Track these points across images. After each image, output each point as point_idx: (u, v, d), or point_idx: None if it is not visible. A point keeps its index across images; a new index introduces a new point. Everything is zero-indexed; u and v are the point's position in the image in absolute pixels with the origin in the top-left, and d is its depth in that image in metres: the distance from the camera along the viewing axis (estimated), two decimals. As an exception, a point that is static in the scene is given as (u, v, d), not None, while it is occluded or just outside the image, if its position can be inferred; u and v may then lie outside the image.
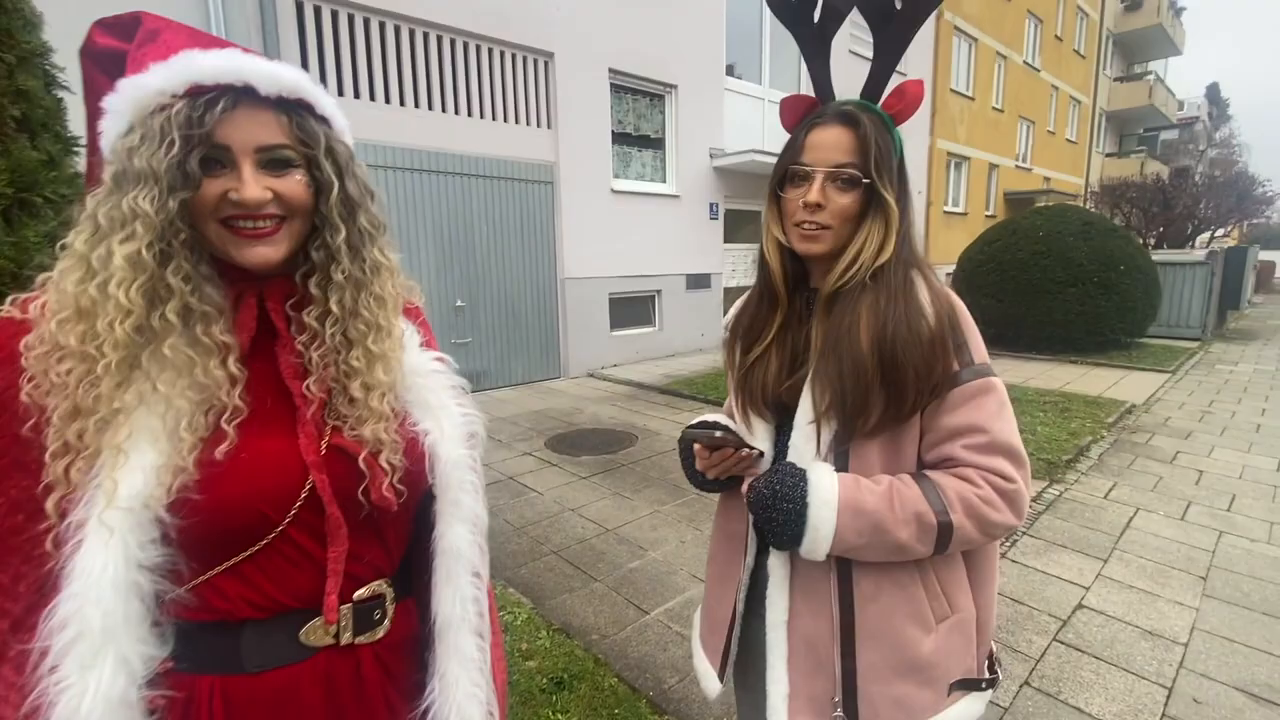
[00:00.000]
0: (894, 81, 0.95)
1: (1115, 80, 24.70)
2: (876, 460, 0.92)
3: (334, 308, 0.75)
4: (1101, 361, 7.90)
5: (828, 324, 0.92)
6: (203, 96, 0.66)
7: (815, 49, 0.96)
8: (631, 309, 8.18)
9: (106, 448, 0.63)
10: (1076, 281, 8.04)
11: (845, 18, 0.95)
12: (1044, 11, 17.09)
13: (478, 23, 6.09)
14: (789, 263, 0.98)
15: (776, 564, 0.96)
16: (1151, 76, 25.12)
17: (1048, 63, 17.82)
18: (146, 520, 0.62)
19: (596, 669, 2.15)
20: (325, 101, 0.76)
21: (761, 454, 0.98)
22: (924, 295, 0.91)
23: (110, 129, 0.68)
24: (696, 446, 0.98)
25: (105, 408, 0.63)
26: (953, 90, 13.80)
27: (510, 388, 6.80)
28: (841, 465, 0.92)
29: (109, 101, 0.68)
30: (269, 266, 0.71)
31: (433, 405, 0.82)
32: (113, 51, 0.73)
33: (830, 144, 0.90)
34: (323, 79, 5.29)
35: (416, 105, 5.88)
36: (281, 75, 0.70)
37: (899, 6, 0.89)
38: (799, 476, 0.89)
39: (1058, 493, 3.82)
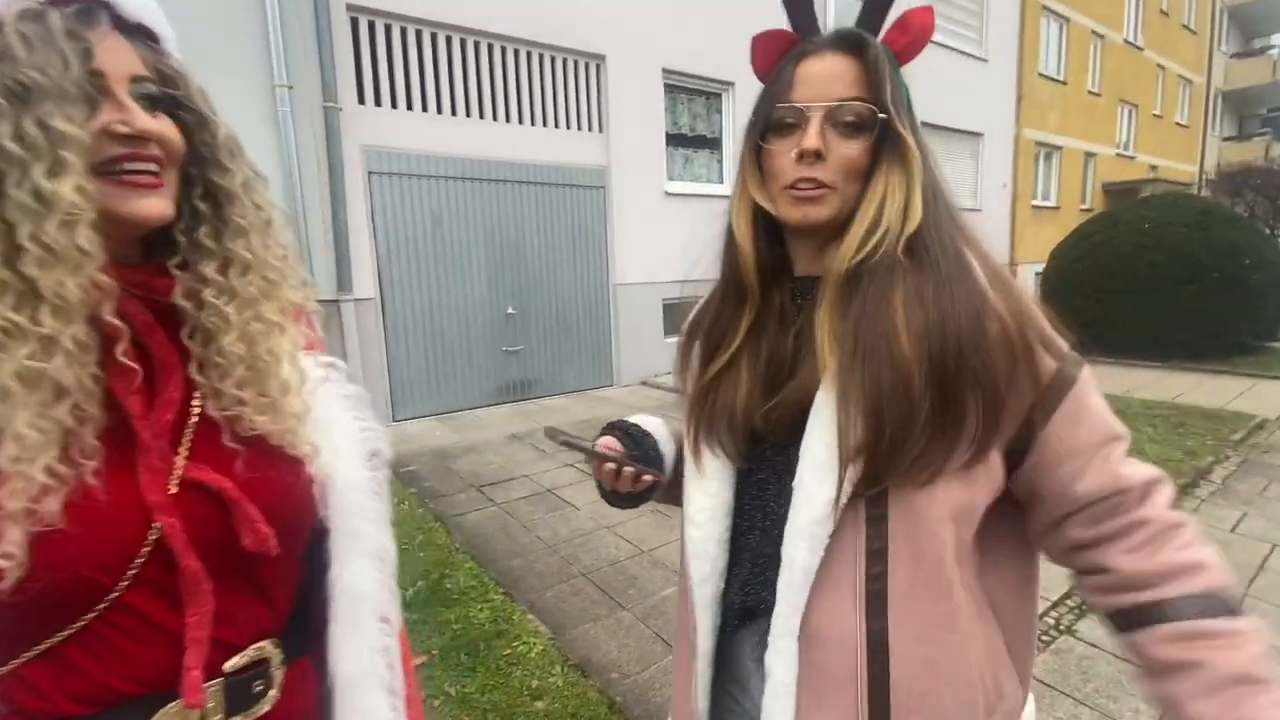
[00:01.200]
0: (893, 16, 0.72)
1: (1232, 57, 22.27)
2: (931, 513, 0.63)
3: (241, 251, 0.61)
4: (1223, 369, 6.95)
5: (845, 318, 0.65)
6: (69, 6, 0.52)
7: None
8: (686, 315, 7.91)
9: None
10: (1192, 278, 7.11)
11: None
12: (1147, -16, 15.60)
13: (528, 29, 6.05)
14: (763, 243, 0.73)
15: (779, 663, 0.68)
16: (1275, 51, 22.48)
17: (1152, 40, 16.21)
18: None
19: (610, 716, 1.92)
20: (172, 38, 0.65)
21: (658, 483, 0.79)
22: (981, 278, 0.65)
23: None
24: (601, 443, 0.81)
25: None
26: (1041, 74, 12.74)
27: (561, 395, 6.70)
28: (879, 519, 0.64)
29: None
30: (163, 222, 0.57)
31: (322, 419, 0.67)
32: None
33: (829, 74, 0.66)
34: (375, 90, 5.38)
35: (468, 114, 5.89)
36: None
37: None
38: None
39: (1172, 523, 3.27)
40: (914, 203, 0.65)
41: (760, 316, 0.74)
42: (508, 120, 6.14)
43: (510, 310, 6.35)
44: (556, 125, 6.49)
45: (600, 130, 6.78)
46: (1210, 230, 7.23)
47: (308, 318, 0.73)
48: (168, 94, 0.58)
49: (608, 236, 6.95)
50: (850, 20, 0.70)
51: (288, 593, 0.67)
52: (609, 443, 0.83)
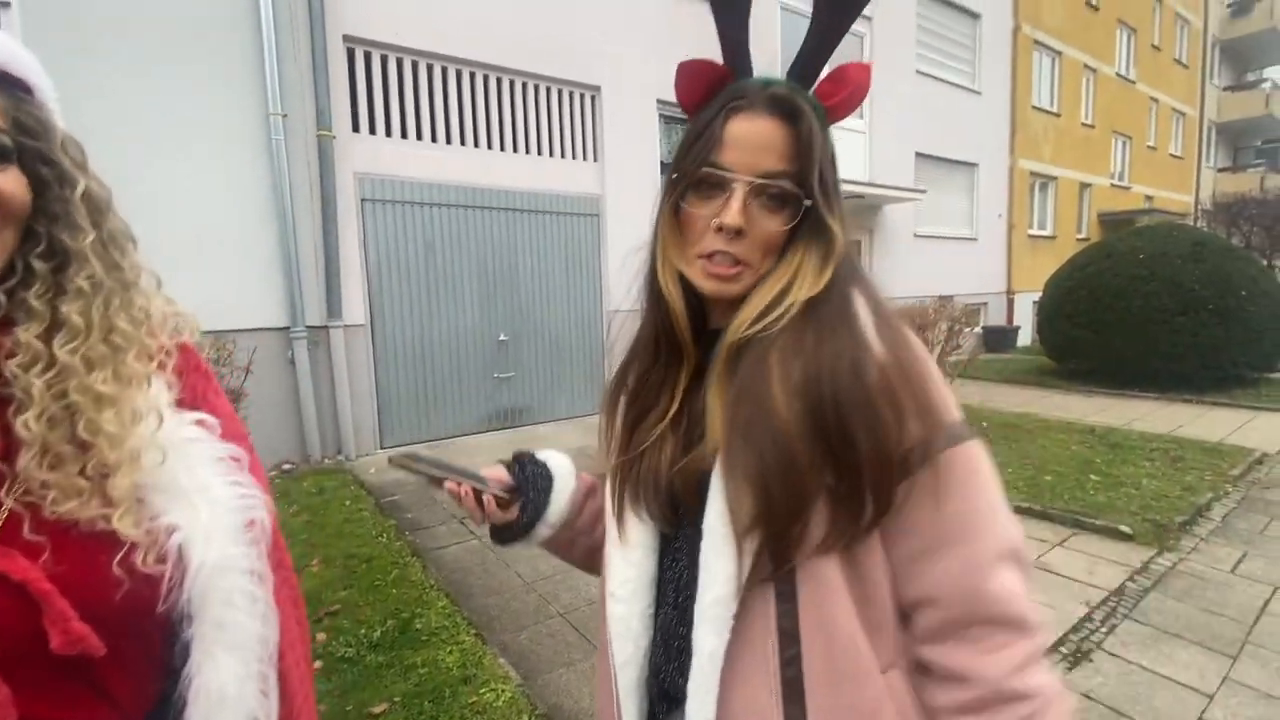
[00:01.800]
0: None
1: (1225, 90, 22.59)
2: (838, 585, 0.59)
3: (74, 317, 0.55)
4: (1222, 401, 6.87)
5: (731, 389, 0.62)
6: None
7: None
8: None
9: None
10: (1187, 309, 7.07)
11: None
12: (1137, 20, 15.86)
13: (524, 61, 6.12)
14: (690, 299, 0.69)
15: None
16: (1268, 84, 22.85)
17: (1144, 74, 16.46)
18: None
19: (576, 772, 1.82)
20: (49, 89, 0.60)
21: (510, 498, 0.77)
22: (868, 326, 0.61)
23: None
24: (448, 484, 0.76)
25: None
26: (1035, 107, 12.90)
27: (553, 423, 6.62)
28: (788, 596, 0.60)
29: None
30: None
31: (186, 489, 0.59)
32: None
33: (759, 141, 0.62)
34: (371, 119, 5.43)
35: (463, 143, 5.94)
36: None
37: None
38: None
39: (1169, 563, 3.17)
40: (823, 279, 0.62)
41: (693, 372, 0.70)
42: (502, 149, 6.19)
43: (502, 337, 6.32)
44: (551, 154, 6.53)
45: (595, 159, 6.83)
46: (1205, 262, 7.22)
47: (192, 365, 0.68)
48: (24, 145, 0.55)
49: (602, 263, 6.95)
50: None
51: (142, 696, 0.61)
52: (495, 469, 0.81)
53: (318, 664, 2.31)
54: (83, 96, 4.11)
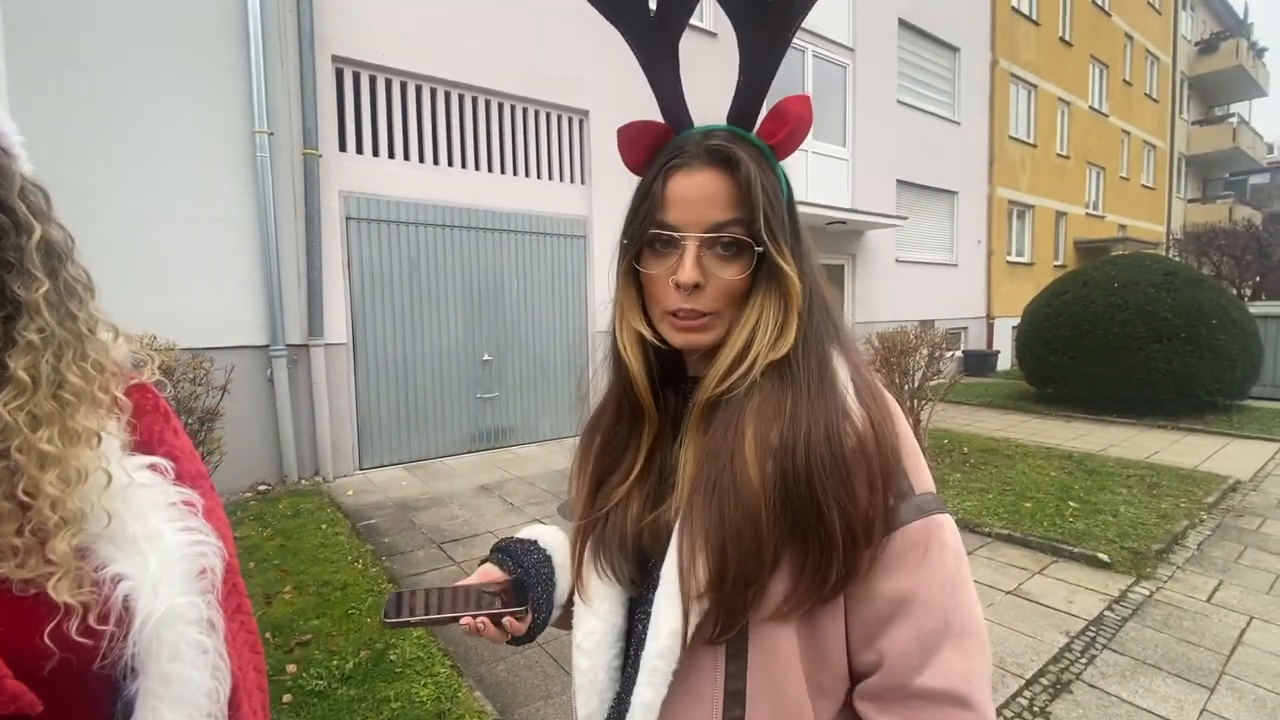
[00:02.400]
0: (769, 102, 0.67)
1: (1194, 124, 23.40)
2: (792, 652, 0.59)
3: (20, 373, 0.54)
4: (1196, 427, 7.01)
5: (703, 445, 0.62)
6: None
7: (657, 53, 0.67)
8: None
9: None
10: (1160, 337, 7.24)
11: (693, 7, 0.66)
12: (1109, 56, 16.43)
13: (513, 84, 6.18)
14: (653, 355, 0.68)
15: None
16: (1235, 119, 23.71)
17: (1116, 108, 17.01)
18: None
19: (551, 813, 1.77)
20: (11, 133, 0.58)
21: (526, 611, 0.70)
22: (847, 388, 0.61)
23: None
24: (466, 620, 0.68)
25: None
26: (1012, 137, 13.26)
27: (536, 444, 6.57)
28: (738, 656, 0.59)
29: None
30: None
31: (135, 536, 0.57)
32: None
33: (700, 196, 0.61)
34: (358, 139, 5.43)
35: (450, 164, 5.95)
36: None
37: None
38: None
39: (1147, 593, 3.20)
40: (788, 330, 0.61)
41: (658, 431, 0.69)
42: (490, 170, 6.21)
43: (486, 357, 6.28)
44: (539, 176, 6.57)
45: (582, 182, 6.88)
46: (1177, 291, 7.40)
47: (148, 407, 0.66)
48: None
49: (587, 284, 6.96)
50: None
51: None
52: (487, 570, 0.75)
53: (287, 697, 2.24)
54: (67, 111, 4.07)
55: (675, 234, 0.61)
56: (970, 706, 0.56)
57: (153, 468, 0.61)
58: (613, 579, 0.68)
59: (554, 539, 0.79)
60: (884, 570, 0.58)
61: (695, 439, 0.63)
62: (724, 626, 0.58)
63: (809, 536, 0.56)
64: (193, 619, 0.57)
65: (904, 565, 0.58)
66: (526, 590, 0.72)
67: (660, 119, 0.68)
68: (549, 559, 0.77)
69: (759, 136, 0.65)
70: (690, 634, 0.59)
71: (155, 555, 0.57)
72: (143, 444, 0.63)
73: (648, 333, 0.66)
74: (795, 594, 0.57)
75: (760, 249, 0.61)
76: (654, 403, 0.68)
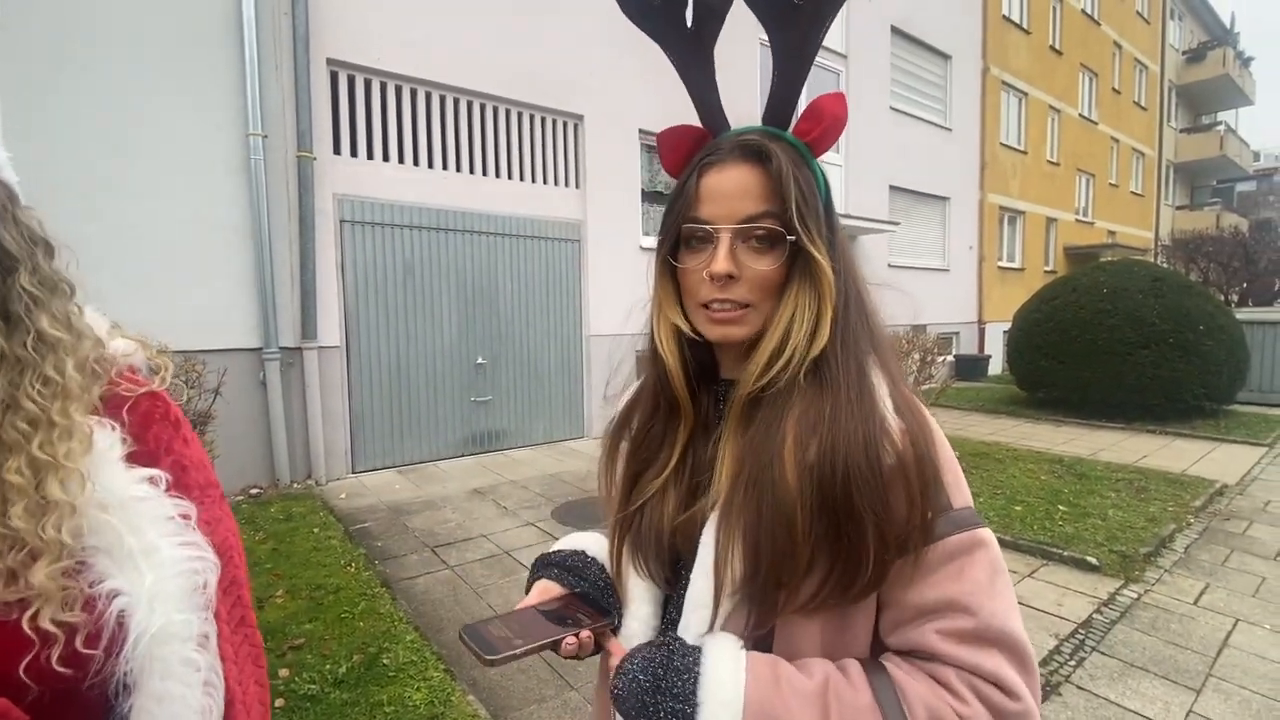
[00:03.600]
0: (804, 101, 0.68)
1: (1182, 131, 23.68)
2: (815, 642, 0.61)
3: None
4: (1184, 431, 7.08)
5: (742, 443, 0.63)
6: None
7: (691, 58, 0.69)
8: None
9: None
10: (1149, 343, 7.32)
11: (725, 15, 0.68)
12: (1098, 65, 16.62)
13: (509, 89, 6.19)
14: (689, 352, 0.69)
15: None
16: (1222, 127, 23.99)
17: (1105, 116, 17.20)
18: None
19: (545, 817, 1.78)
20: None
21: (616, 627, 0.68)
22: (885, 402, 0.61)
23: None
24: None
25: None
26: (1003, 144, 13.39)
27: (530, 448, 6.56)
28: (761, 648, 0.61)
29: None
30: None
31: (132, 551, 0.57)
32: None
33: (733, 190, 0.63)
34: (353, 141, 5.43)
35: (445, 167, 5.96)
36: None
37: (799, 2, 0.63)
38: (689, 660, 0.59)
39: (1135, 595, 3.23)
40: (823, 324, 0.62)
41: (693, 428, 0.71)
42: (485, 174, 6.22)
43: (480, 360, 6.28)
44: (534, 180, 6.58)
45: (577, 186, 6.89)
46: (1164, 297, 7.49)
47: (145, 411, 0.66)
48: None
49: (582, 288, 6.97)
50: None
51: None
52: (547, 587, 0.73)
53: (280, 702, 2.23)
54: (61, 112, 4.06)
55: (708, 226, 0.63)
56: (1022, 664, 0.57)
57: (151, 480, 0.60)
58: (649, 576, 0.69)
59: (598, 545, 0.79)
60: (919, 583, 0.59)
61: (735, 436, 0.63)
62: (756, 623, 0.60)
63: (841, 542, 0.57)
64: (187, 636, 0.57)
65: (940, 578, 0.59)
66: (595, 602, 0.71)
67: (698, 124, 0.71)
68: (603, 565, 0.76)
69: (794, 135, 0.67)
70: (719, 627, 0.61)
71: (151, 571, 0.57)
72: (150, 454, 0.63)
73: (684, 325, 0.67)
74: (821, 593, 0.58)
75: (793, 238, 0.62)
76: (689, 398, 0.69)
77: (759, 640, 0.62)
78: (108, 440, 0.60)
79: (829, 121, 0.65)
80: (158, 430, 0.65)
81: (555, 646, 0.64)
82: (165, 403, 0.68)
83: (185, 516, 0.60)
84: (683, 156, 0.70)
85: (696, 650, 0.59)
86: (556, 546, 0.80)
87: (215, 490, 0.66)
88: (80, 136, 4.12)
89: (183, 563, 0.58)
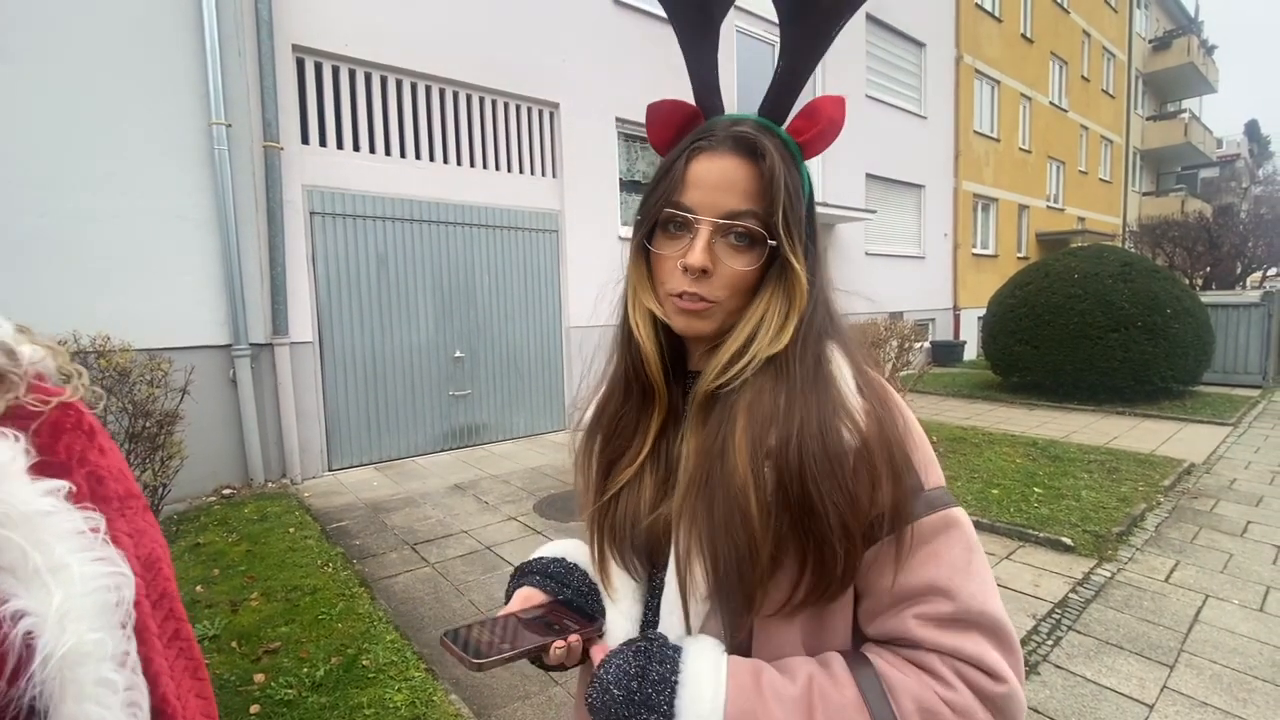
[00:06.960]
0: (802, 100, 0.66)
1: (1148, 119, 24.18)
2: (795, 640, 0.59)
3: None
4: (1153, 413, 7.26)
5: (701, 439, 0.61)
6: None
7: (697, 32, 0.66)
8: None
9: None
10: (1118, 326, 7.48)
11: None
12: (1068, 53, 16.86)
13: (481, 76, 6.08)
14: (664, 338, 0.67)
15: None
16: (1186, 114, 24.54)
17: (1075, 103, 17.48)
18: None
19: (531, 816, 1.75)
20: None
21: (602, 633, 0.66)
22: (845, 384, 0.59)
23: None
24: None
25: None
26: (976, 132, 13.54)
27: (511, 441, 6.51)
28: (740, 653, 0.60)
29: None
30: None
31: (38, 568, 0.52)
32: None
33: (721, 181, 0.60)
34: (321, 131, 5.28)
35: (418, 157, 5.83)
36: None
37: None
38: (666, 669, 0.56)
39: (1109, 574, 3.30)
40: (788, 328, 0.60)
41: (666, 415, 0.69)
42: (459, 164, 6.10)
43: (458, 354, 6.19)
44: (509, 169, 6.48)
45: (554, 175, 6.80)
46: (1133, 281, 7.65)
47: (64, 418, 0.61)
48: None
49: (560, 279, 6.91)
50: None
51: None
52: (529, 595, 0.71)
53: (255, 708, 2.18)
54: (14, 101, 3.87)
55: (689, 215, 0.61)
56: (1004, 645, 0.56)
57: (59, 493, 0.55)
58: (627, 569, 0.67)
59: (579, 552, 0.77)
60: (895, 568, 0.57)
61: (695, 434, 0.62)
62: (730, 630, 0.58)
63: (807, 537, 0.55)
64: (103, 656, 0.53)
65: (916, 563, 0.57)
66: (580, 608, 0.69)
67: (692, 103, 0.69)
68: (586, 572, 0.74)
69: (788, 133, 0.64)
70: (697, 630, 0.59)
71: (60, 589, 0.52)
72: (61, 465, 0.58)
73: (659, 310, 0.65)
74: (797, 594, 0.57)
75: (773, 243, 0.60)
76: (665, 384, 0.67)
77: (739, 643, 0.60)
78: (9, 452, 0.55)
79: (825, 124, 0.63)
80: (69, 440, 0.60)
81: (543, 651, 0.62)
82: (78, 411, 0.63)
83: (95, 530, 0.56)
84: (672, 134, 0.67)
85: (675, 656, 0.57)
86: (537, 554, 0.77)
87: (137, 501, 0.62)
88: (31, 127, 3.94)
89: (95, 579, 0.54)
